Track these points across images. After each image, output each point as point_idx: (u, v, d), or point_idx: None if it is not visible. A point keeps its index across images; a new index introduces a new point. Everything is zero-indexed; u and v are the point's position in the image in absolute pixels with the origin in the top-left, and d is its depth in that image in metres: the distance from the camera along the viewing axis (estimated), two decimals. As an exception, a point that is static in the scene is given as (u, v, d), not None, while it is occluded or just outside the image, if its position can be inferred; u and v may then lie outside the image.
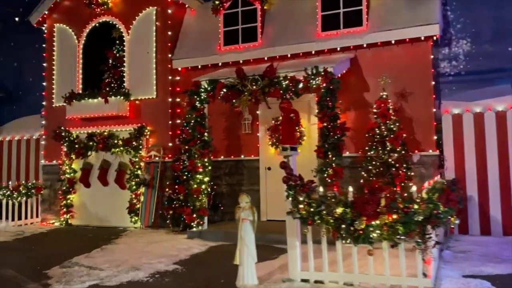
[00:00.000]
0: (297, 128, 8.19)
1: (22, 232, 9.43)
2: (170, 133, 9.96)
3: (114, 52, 10.60)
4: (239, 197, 5.04)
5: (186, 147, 8.87)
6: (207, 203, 8.36)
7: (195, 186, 8.17)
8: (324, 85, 7.27)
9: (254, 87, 7.68)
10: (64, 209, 10.66)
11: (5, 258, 6.91)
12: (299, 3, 9.27)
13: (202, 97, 8.23)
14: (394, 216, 4.33)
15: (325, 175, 7.14)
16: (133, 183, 9.94)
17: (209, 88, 8.13)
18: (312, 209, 4.72)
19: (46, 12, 11.33)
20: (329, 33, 8.69)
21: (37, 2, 12.32)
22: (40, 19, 11.42)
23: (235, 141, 9.55)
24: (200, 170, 8.21)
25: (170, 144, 9.92)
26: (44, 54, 11.58)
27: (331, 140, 7.11)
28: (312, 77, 7.33)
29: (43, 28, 11.86)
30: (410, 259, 4.59)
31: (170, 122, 9.96)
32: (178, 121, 10.04)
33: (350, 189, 4.74)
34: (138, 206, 9.84)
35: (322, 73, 7.28)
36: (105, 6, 10.57)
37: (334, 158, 7.11)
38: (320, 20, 8.79)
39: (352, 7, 8.57)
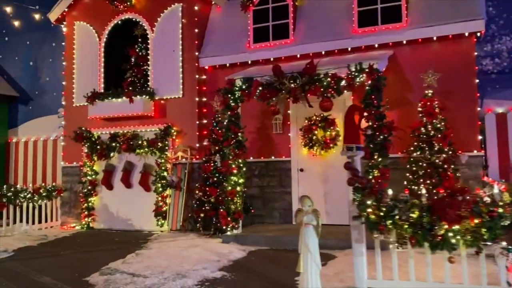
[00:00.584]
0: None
1: (46, 236, 9.10)
2: (198, 133, 9.64)
3: (137, 50, 10.29)
4: (301, 200, 4.71)
5: (217, 147, 8.60)
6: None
7: (230, 188, 7.85)
8: (369, 82, 6.96)
9: (293, 85, 7.36)
10: (86, 212, 10.33)
11: (37, 264, 6.58)
12: (332, -1, 8.99)
13: (237, 96, 7.91)
14: (476, 221, 4.02)
15: (371, 176, 6.81)
16: (159, 185, 9.62)
17: (243, 87, 7.82)
18: (382, 214, 4.39)
19: (66, 9, 11.01)
20: (366, 29, 8.39)
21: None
22: (60, 16, 11.11)
23: (266, 141, 9.24)
24: (235, 171, 7.88)
25: (198, 145, 9.60)
26: (63, 53, 11.26)
27: (377, 140, 6.78)
28: (356, 74, 7.02)
29: (62, 26, 11.56)
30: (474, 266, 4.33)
31: (197, 122, 9.64)
32: (205, 121, 9.74)
33: (424, 191, 4.43)
34: (164, 209, 9.52)
35: (367, 70, 6.98)
36: (128, 3, 10.26)
37: (380, 159, 6.78)
38: (357, 16, 8.49)
39: (390, 2, 8.26)
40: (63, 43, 12.09)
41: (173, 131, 9.69)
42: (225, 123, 8.03)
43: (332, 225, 8.46)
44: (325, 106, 7.21)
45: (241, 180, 7.94)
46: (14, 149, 12.73)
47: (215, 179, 8.57)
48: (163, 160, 9.68)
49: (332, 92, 7.19)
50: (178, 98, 9.80)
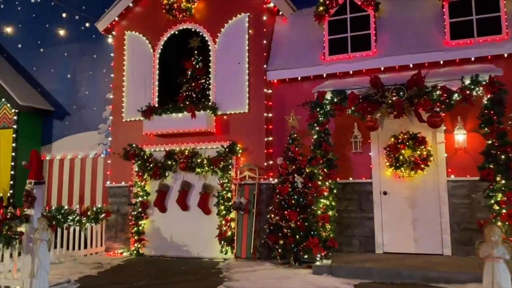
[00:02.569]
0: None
1: (100, 264, 8.17)
2: (266, 151, 8.88)
3: (193, 62, 9.57)
4: (487, 229, 3.93)
5: (294, 167, 7.85)
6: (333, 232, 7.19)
7: (320, 212, 7.05)
8: (489, 96, 6.30)
9: (395, 97, 6.70)
10: (135, 237, 9.42)
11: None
12: (417, 10, 8.42)
13: (327, 110, 7.19)
14: None
15: (492, 201, 6.08)
16: (222, 207, 8.78)
17: (335, 99, 7.12)
18: None
19: (116, 19, 10.34)
20: (460, 41, 7.79)
21: (95, 8, 11.54)
22: (109, 26, 10.42)
23: (342, 161, 8.41)
24: (326, 193, 7.09)
25: (266, 164, 8.83)
26: (112, 64, 10.54)
27: (501, 160, 6.07)
28: (472, 87, 6.36)
29: (109, 36, 10.88)
30: None
31: (265, 139, 8.90)
32: (271, 138, 9.00)
33: None
34: (229, 234, 8.65)
35: (484, 83, 6.33)
36: (188, 12, 9.63)
37: (504, 182, 6.06)
38: (449, 28, 7.91)
39: (487, 13, 7.71)
40: (107, 55, 11.48)
41: (238, 148, 8.92)
42: (313, 139, 7.29)
43: (422, 255, 7.72)
44: (435, 122, 6.57)
45: (333, 203, 7.14)
46: (47, 167, 11.83)
47: (293, 201, 7.77)
48: (226, 180, 8.87)
49: (443, 106, 6.52)
50: (243, 113, 9.07)
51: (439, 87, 6.56)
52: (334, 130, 8.38)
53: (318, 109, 7.22)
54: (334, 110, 7.16)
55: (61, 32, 12.17)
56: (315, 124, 7.27)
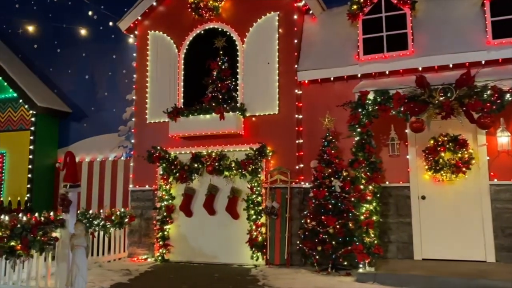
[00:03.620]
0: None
1: (129, 271, 7.86)
2: (297, 154, 8.60)
3: (219, 63, 9.30)
4: None
5: (330, 170, 7.58)
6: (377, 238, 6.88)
7: (363, 217, 6.76)
8: (546, 97, 6.05)
9: (442, 98, 6.44)
10: (160, 242, 9.11)
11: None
12: (455, 9, 8.18)
13: (369, 110, 6.92)
14: None
15: None
16: (252, 212, 8.49)
17: (378, 99, 6.85)
18: None
19: (139, 18, 10.07)
20: (503, 40, 7.54)
21: (115, 7, 11.30)
22: (132, 25, 10.15)
23: (378, 164, 8.19)
24: (369, 198, 6.81)
25: (297, 167, 8.54)
26: (135, 65, 10.27)
27: None
28: (527, 87, 6.11)
29: (130, 36, 10.63)
30: None
31: (297, 141, 8.62)
32: (301, 140, 8.72)
33: None
34: (260, 239, 8.35)
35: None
36: (215, 11, 9.37)
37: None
38: (490, 27, 7.66)
39: (531, 12, 7.47)
40: (127, 55, 11.26)
41: (268, 151, 8.64)
42: (354, 141, 7.01)
43: (464, 261, 7.43)
44: (486, 123, 6.29)
45: (378, 208, 6.86)
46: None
47: (330, 206, 7.48)
48: (256, 184, 8.58)
49: (493, 107, 6.25)
50: (273, 115, 8.80)
51: (489, 86, 6.29)
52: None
53: (360, 110, 6.94)
54: (377, 111, 6.87)
55: (79, 32, 11.91)
56: (357, 126, 6.96)
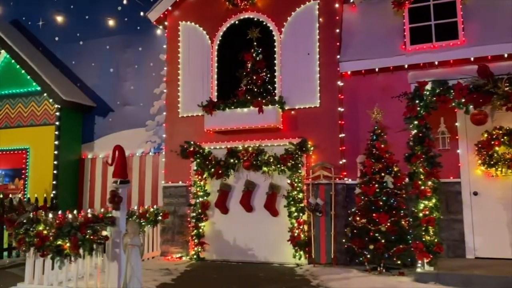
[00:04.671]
0: None
1: (168, 270, 7.54)
2: (341, 148, 8.26)
3: (253, 54, 8.94)
4: None
5: (380, 165, 7.23)
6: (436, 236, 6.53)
7: (421, 215, 6.42)
8: None
9: (507, 88, 6.08)
10: (195, 240, 8.79)
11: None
12: (507, -4, 7.82)
13: (428, 101, 6.55)
14: None
15: None
16: (294, 209, 8.16)
17: (437, 90, 6.49)
18: None
19: (170, 8, 9.71)
20: (563, 28, 7.19)
21: None
22: (161, 15, 9.79)
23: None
24: (428, 194, 6.46)
25: (341, 162, 8.20)
26: (165, 57, 9.92)
27: None
28: None
29: (159, 27, 10.28)
30: None
31: (340, 135, 8.28)
32: (343, 134, 8.38)
33: None
34: (302, 237, 8.02)
35: None
36: (250, 1, 9.01)
37: None
38: (549, 14, 7.31)
39: None
40: (154, 47, 10.96)
41: (309, 145, 8.30)
42: (411, 134, 6.66)
43: (522, 260, 7.07)
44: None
45: (438, 204, 6.51)
46: (90, 166, 11.21)
47: (381, 203, 7.14)
48: (296, 180, 8.24)
49: None
50: (313, 108, 8.46)
51: (558, 76, 5.95)
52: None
53: (417, 101, 6.58)
54: (436, 102, 6.51)
55: (103, 24, 11.55)
56: (414, 118, 6.61)
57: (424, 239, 6.37)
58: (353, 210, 7.50)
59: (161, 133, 10.64)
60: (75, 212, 6.12)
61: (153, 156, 10.58)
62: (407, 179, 7.00)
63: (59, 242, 5.41)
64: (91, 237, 5.34)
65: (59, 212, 6.06)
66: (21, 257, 9.12)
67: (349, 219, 7.50)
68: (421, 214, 6.41)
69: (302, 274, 7.12)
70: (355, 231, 7.31)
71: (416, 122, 6.61)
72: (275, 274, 7.25)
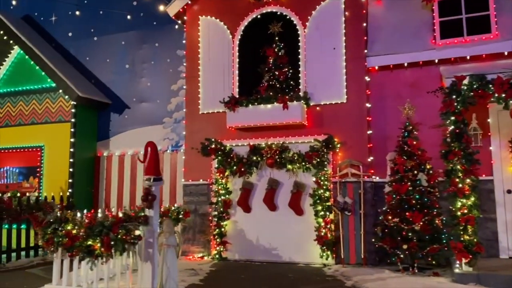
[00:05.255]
0: None
1: (194, 270, 7.34)
2: (368, 145, 8.05)
3: (275, 49, 8.72)
4: None
5: (413, 163, 7.02)
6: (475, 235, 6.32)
7: (459, 213, 6.21)
8: None
9: (549, 83, 5.87)
10: (217, 240, 8.59)
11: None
12: (542, -12, 7.60)
13: (466, 96, 6.33)
14: None
15: None
16: (320, 207, 7.95)
17: (475, 85, 6.28)
18: None
19: (189, 2, 9.50)
20: None
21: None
22: (181, 10, 9.59)
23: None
24: (467, 192, 6.25)
25: (369, 160, 7.99)
26: (184, 52, 9.73)
27: None
28: None
29: (177, 22, 10.06)
30: None
31: (368, 132, 8.07)
32: (370, 131, 8.16)
33: None
34: (330, 237, 7.82)
35: None
36: (273, -6, 8.81)
37: None
38: None
39: None
40: (171, 43, 10.73)
41: (336, 142, 8.09)
42: (448, 131, 6.44)
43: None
44: None
45: (477, 203, 6.30)
46: (105, 164, 11.01)
47: (413, 201, 6.93)
48: (322, 178, 8.03)
49: None
50: (340, 104, 8.25)
51: None
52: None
53: (454, 96, 6.37)
54: (474, 97, 6.30)
55: (118, 19, 11.33)
56: (451, 114, 6.39)
57: (462, 238, 6.16)
58: (384, 209, 7.30)
59: (179, 130, 10.44)
60: (98, 210, 5.93)
61: (171, 153, 10.36)
62: (440, 177, 6.81)
63: (89, 242, 5.20)
64: (124, 237, 5.12)
65: (84, 211, 5.86)
66: (39, 256, 8.98)
67: (380, 218, 7.30)
68: (459, 213, 6.19)
69: (333, 275, 6.93)
70: (386, 230, 7.10)
71: (453, 118, 6.40)
72: (304, 274, 7.05)
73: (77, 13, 11.79)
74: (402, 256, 6.87)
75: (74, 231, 5.32)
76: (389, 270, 6.96)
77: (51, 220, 5.45)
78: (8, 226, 8.61)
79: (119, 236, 5.13)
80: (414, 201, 6.91)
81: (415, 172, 7.03)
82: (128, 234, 5.14)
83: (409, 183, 7.00)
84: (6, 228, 8.54)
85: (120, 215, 5.41)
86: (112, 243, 5.09)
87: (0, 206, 8.27)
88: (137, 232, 5.18)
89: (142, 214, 5.34)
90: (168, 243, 4.92)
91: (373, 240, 7.48)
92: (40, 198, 9.42)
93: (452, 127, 6.39)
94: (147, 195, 5.22)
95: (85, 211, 5.95)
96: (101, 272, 5.65)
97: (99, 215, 5.58)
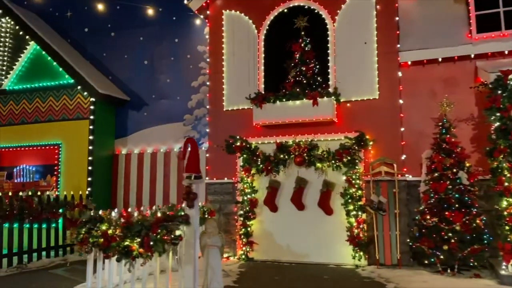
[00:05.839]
0: None
1: (224, 272, 7.07)
2: (402, 143, 7.82)
3: (302, 45, 8.49)
4: None
5: (452, 161, 6.79)
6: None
7: (505, 213, 5.98)
8: None
9: None
10: (244, 240, 8.36)
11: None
12: None
13: (512, 92, 6.11)
14: None
15: None
16: (352, 207, 7.72)
17: (523, 80, 6.04)
18: None
19: (213, -4, 9.29)
20: None
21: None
22: (204, 4, 9.35)
23: (495, 154, 7.40)
24: (514, 190, 6.02)
25: (402, 158, 7.76)
26: (208, 48, 9.49)
27: None
28: None
29: (201, 16, 9.84)
30: None
31: (401, 129, 7.84)
32: (402, 129, 7.92)
33: None
34: (363, 237, 7.58)
35: None
36: (301, -13, 8.57)
37: None
38: None
39: None
40: (191, 38, 10.56)
41: (368, 140, 7.85)
42: (493, 127, 6.21)
43: None
44: None
45: (525, 202, 6.07)
46: (124, 162, 10.78)
47: (453, 200, 6.69)
48: (354, 176, 7.80)
49: None
50: (371, 100, 8.01)
51: None
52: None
53: (500, 92, 6.13)
54: (522, 93, 6.07)
55: (136, 15, 11.11)
56: (496, 109, 6.15)
57: (509, 239, 5.92)
58: (421, 208, 7.07)
59: (200, 127, 10.24)
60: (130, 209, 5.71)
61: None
62: (480, 175, 6.59)
63: (126, 243, 4.97)
64: (164, 237, 4.90)
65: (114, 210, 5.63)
66: (59, 257, 8.76)
67: (416, 218, 7.07)
68: (505, 213, 5.96)
69: (370, 276, 6.69)
70: (423, 230, 6.87)
71: (498, 114, 6.16)
72: (339, 275, 6.82)
73: (93, 8, 11.55)
74: (442, 257, 6.63)
75: (110, 231, 5.09)
76: (427, 271, 6.73)
77: (86, 220, 5.22)
78: (29, 225, 8.38)
79: (159, 236, 4.90)
80: (453, 200, 6.69)
81: (454, 170, 6.79)
82: (168, 234, 4.91)
83: (448, 182, 6.77)
84: (27, 228, 8.32)
85: (158, 214, 5.17)
86: (151, 243, 4.85)
87: (22, 205, 8.05)
88: (177, 232, 4.95)
89: (182, 213, 5.11)
90: (212, 243, 4.70)
91: (407, 240, 7.27)
92: (59, 197, 9.19)
93: (498, 123, 6.15)
94: (189, 193, 4.99)
95: (100, 211, 5.68)
96: (139, 272, 5.42)
97: (135, 214, 5.35)
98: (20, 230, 8.11)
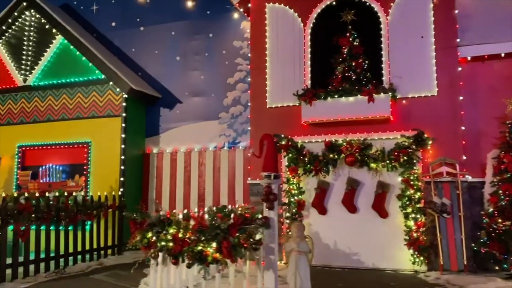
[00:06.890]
0: None
1: (280, 277, 6.65)
2: (463, 142, 7.42)
3: (350, 39, 8.10)
4: None
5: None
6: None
7: None
8: None
9: None
10: (291, 244, 7.93)
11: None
12: None
13: None
14: None
15: None
16: (410, 210, 7.30)
17: None
18: None
19: (255, -12, 8.88)
20: None
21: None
22: (245, -3, 8.97)
23: None
24: None
25: (464, 158, 7.35)
26: (249, 42, 9.09)
27: None
28: None
29: (240, 10, 9.43)
30: None
31: (462, 128, 7.44)
32: (463, 127, 7.50)
33: None
34: (424, 241, 7.16)
35: None
36: (351, -21, 8.17)
37: None
38: None
39: None
40: (226, 33, 10.17)
41: (427, 139, 7.44)
42: None
43: None
44: None
45: None
46: (155, 162, 10.35)
47: (525, 203, 6.31)
48: (412, 177, 7.39)
49: None
50: (430, 96, 7.60)
51: None
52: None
53: None
54: None
55: (167, 8, 10.69)
56: None
57: None
58: (489, 211, 6.66)
59: (236, 126, 9.83)
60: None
61: (228, 151, 9.73)
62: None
63: (199, 247, 4.54)
64: (243, 241, 4.47)
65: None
66: (94, 261, 8.31)
67: (484, 221, 6.67)
68: None
69: (438, 283, 6.28)
70: (493, 234, 6.47)
71: None
72: (405, 282, 6.40)
73: (121, 1, 11.13)
74: (516, 262, 6.24)
75: (180, 235, 4.66)
76: (499, 277, 6.32)
77: (154, 223, 4.78)
78: (64, 228, 7.94)
79: (238, 241, 4.47)
80: (525, 203, 6.29)
81: (528, 171, 6.40)
82: (247, 238, 4.48)
83: (519, 183, 6.38)
84: (62, 230, 7.87)
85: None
86: (234, 248, 4.43)
87: (58, 207, 7.61)
88: (257, 236, 4.53)
89: (260, 215, 4.69)
90: (299, 249, 4.28)
91: (472, 244, 6.87)
92: (90, 198, 8.75)
93: None
94: (269, 194, 4.57)
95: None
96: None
97: (206, 216, 4.92)
98: (56, 233, 7.67)
